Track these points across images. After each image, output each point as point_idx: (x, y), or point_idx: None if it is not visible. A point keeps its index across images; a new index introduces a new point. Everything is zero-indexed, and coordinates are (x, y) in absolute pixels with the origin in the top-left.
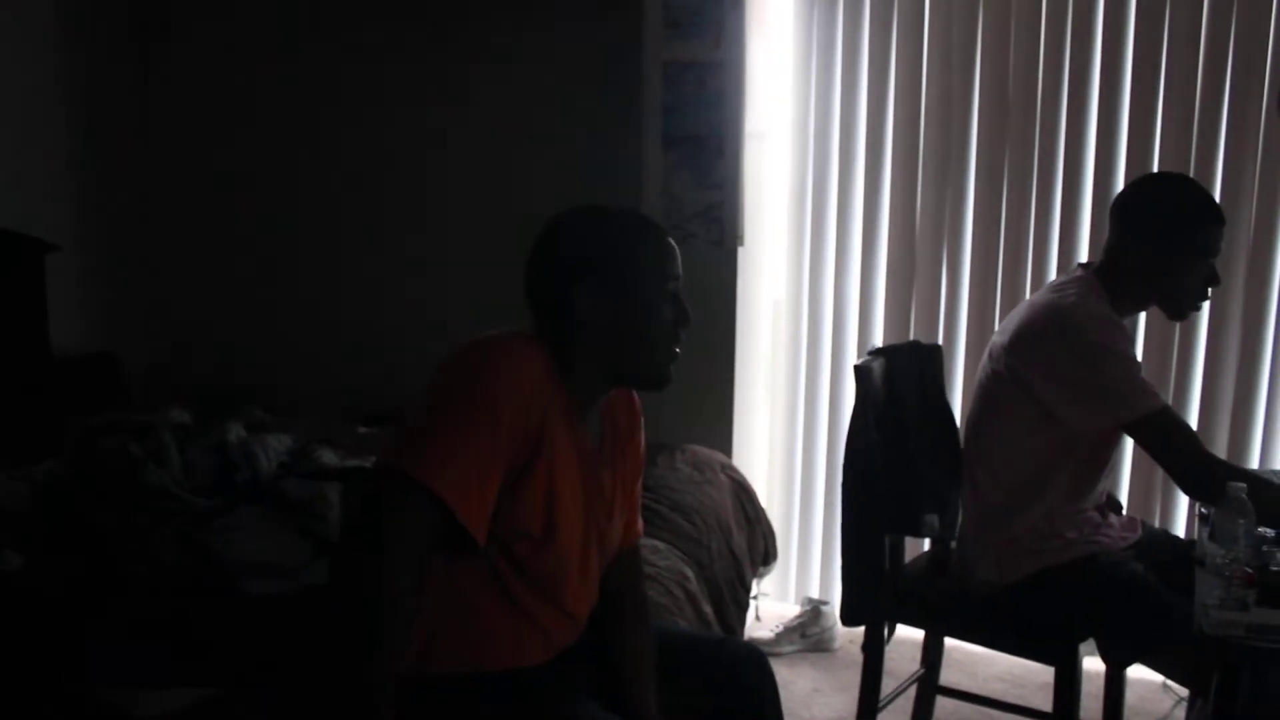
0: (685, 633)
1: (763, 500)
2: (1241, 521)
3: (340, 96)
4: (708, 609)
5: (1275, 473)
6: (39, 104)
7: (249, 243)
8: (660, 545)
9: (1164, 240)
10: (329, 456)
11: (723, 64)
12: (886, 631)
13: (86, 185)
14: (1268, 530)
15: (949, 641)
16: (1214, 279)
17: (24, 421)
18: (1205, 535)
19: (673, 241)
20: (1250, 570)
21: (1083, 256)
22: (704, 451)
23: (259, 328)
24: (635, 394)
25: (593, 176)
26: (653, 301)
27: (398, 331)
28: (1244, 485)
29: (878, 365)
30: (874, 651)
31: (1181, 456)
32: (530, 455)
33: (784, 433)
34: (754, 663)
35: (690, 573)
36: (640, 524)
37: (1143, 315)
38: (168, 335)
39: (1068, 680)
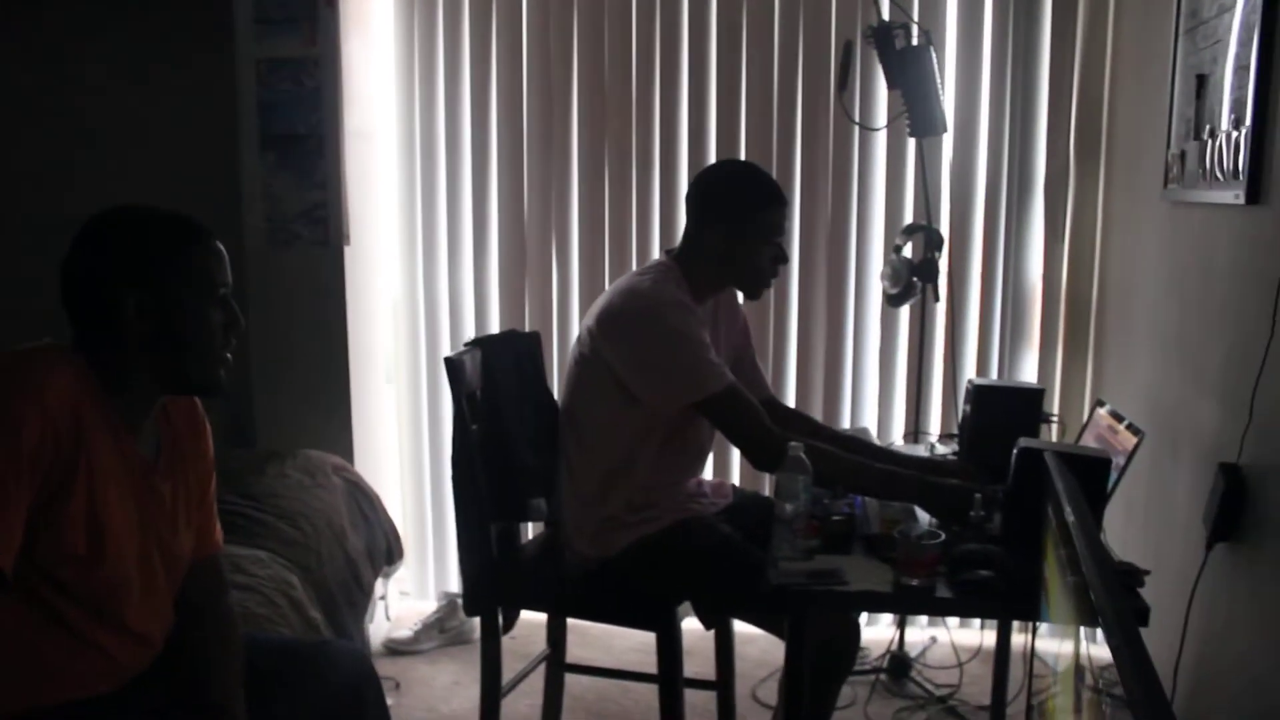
0: (282, 640)
1: (395, 499)
2: (801, 478)
3: None
4: (316, 614)
5: (861, 430)
6: None
7: None
8: (262, 555)
9: (733, 223)
10: None
11: (319, 61)
12: (503, 618)
13: None
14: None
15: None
16: (781, 257)
17: None
18: (775, 493)
19: (219, 245)
20: (814, 521)
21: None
22: (316, 455)
23: None
24: (198, 401)
25: (191, 178)
26: (201, 308)
27: None
28: (802, 445)
29: (470, 357)
30: (490, 638)
31: (744, 432)
32: (64, 476)
33: (410, 431)
34: (354, 663)
35: (295, 579)
36: (218, 534)
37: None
38: None
39: (668, 644)
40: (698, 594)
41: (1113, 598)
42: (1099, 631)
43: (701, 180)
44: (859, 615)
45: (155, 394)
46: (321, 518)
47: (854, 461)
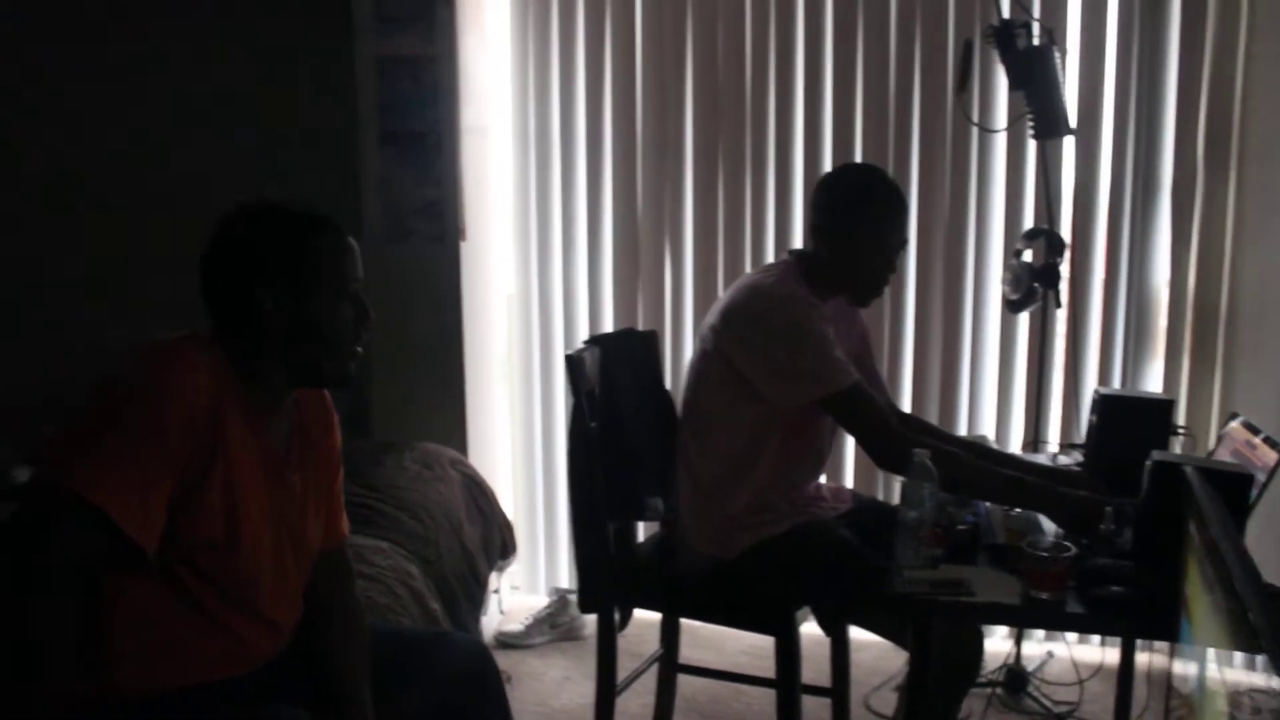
0: (404, 631)
1: (506, 494)
2: (926, 485)
3: (24, 96)
4: (435, 606)
5: (981, 437)
6: None
7: None
8: (384, 545)
9: (852, 228)
10: (26, 474)
11: (436, 59)
12: (619, 616)
13: None
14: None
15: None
16: (891, 266)
17: None
18: (899, 500)
19: (351, 240)
20: (938, 530)
21: (797, 240)
22: (434, 448)
23: None
24: (327, 394)
25: (309, 176)
26: (333, 302)
27: (98, 334)
28: (928, 451)
29: (589, 355)
30: (606, 636)
31: (870, 431)
32: (204, 463)
33: (523, 426)
34: (475, 655)
35: (415, 570)
36: (345, 524)
37: None
38: None
39: (787, 648)
40: (819, 599)
41: (1274, 621)
42: (1237, 655)
43: (825, 183)
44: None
45: (286, 387)
46: (440, 510)
47: (981, 467)
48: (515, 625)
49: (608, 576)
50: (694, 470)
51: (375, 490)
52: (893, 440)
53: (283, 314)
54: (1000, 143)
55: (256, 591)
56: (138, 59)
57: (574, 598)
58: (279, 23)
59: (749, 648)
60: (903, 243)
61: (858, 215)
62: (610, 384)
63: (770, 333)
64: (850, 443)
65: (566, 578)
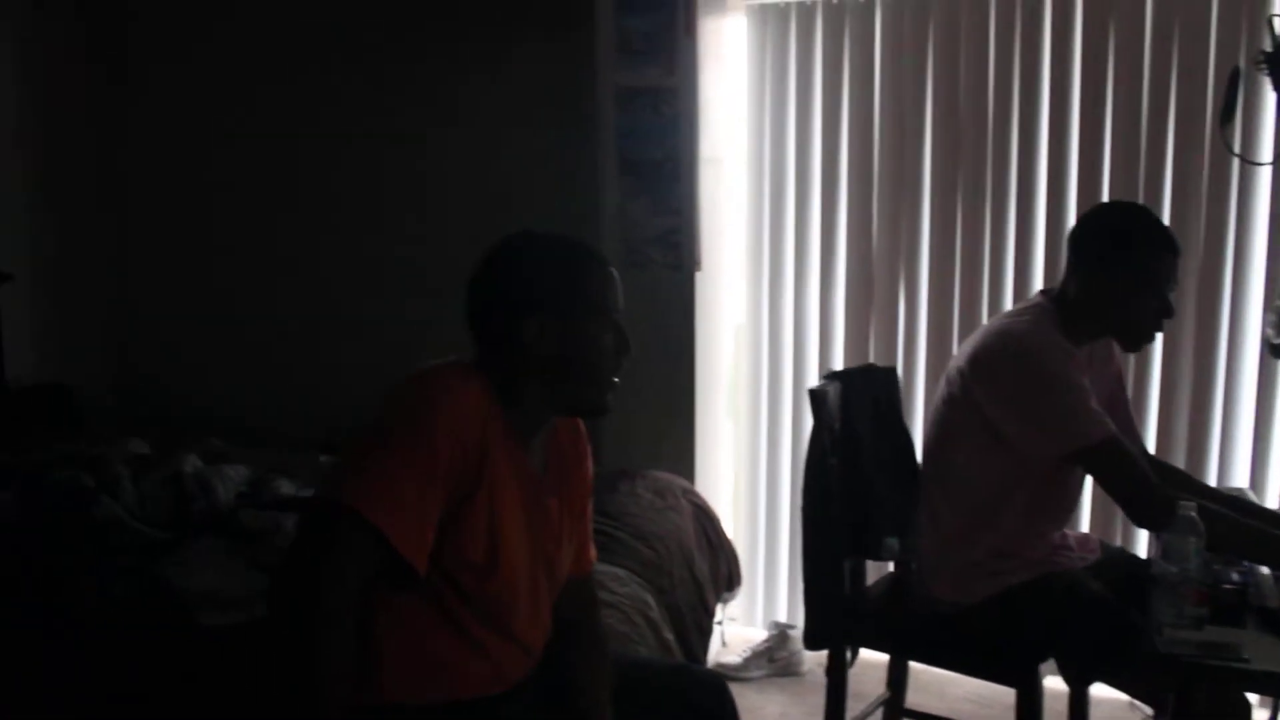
0: (644, 660)
1: (728, 525)
2: (1192, 540)
3: (298, 130)
4: (669, 635)
5: (1239, 490)
6: None
7: (205, 272)
8: (621, 573)
9: (1119, 270)
10: (286, 486)
11: (677, 90)
12: (849, 655)
13: (41, 215)
14: None
15: (918, 664)
16: (1167, 310)
17: None
18: (1159, 554)
19: (614, 271)
20: (1203, 589)
21: (1038, 279)
22: (665, 477)
23: (216, 357)
24: (581, 421)
25: (549, 203)
26: (596, 332)
27: (355, 358)
28: (1194, 504)
29: (832, 389)
30: (837, 675)
31: (1127, 485)
32: (471, 486)
33: (748, 457)
34: (713, 688)
35: (651, 599)
36: (593, 552)
37: None
38: (125, 366)
39: (1029, 701)
40: (1068, 653)
41: None
42: None
43: (1088, 221)
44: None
45: (546, 414)
46: (673, 540)
47: (1254, 528)
48: (733, 657)
49: (840, 614)
50: (936, 514)
51: (611, 518)
52: (1154, 498)
53: (548, 342)
54: (1264, 176)
55: (512, 614)
56: (393, 100)
57: (793, 632)
58: (522, 57)
59: (971, 694)
60: (1174, 283)
61: (1128, 256)
62: (850, 419)
63: (1022, 381)
64: (1089, 486)
65: (785, 611)
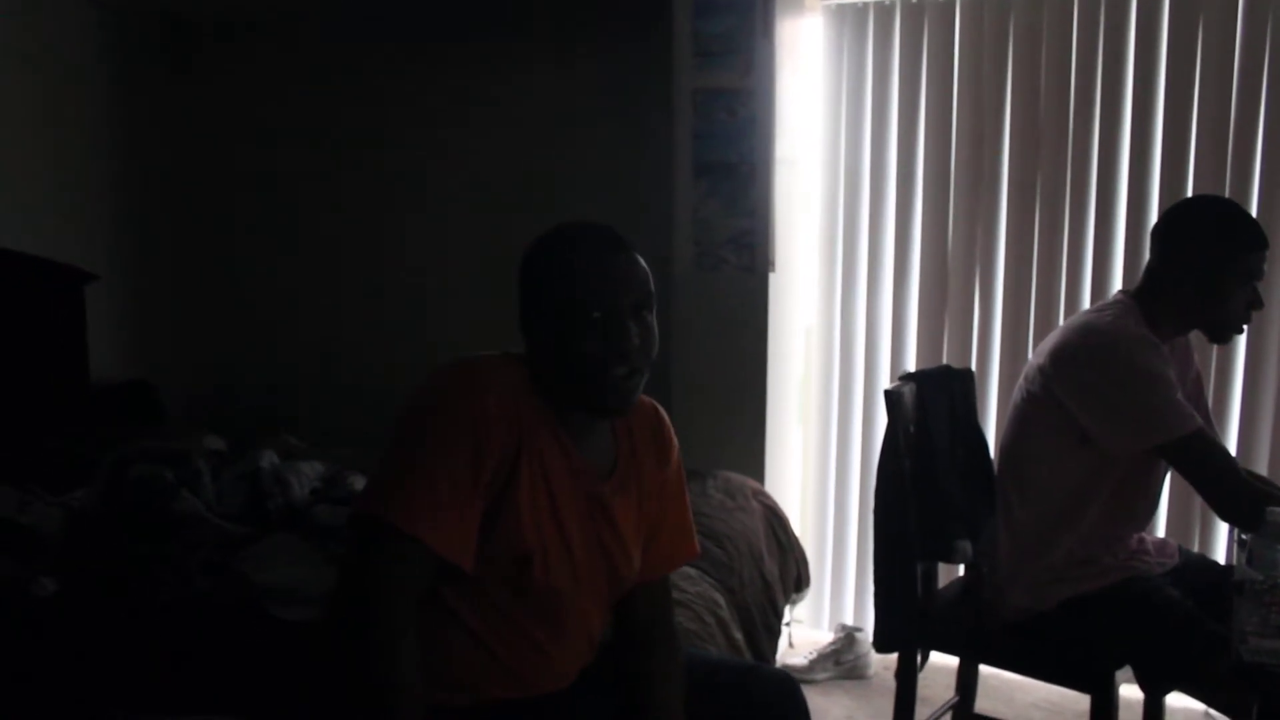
0: (715, 659)
1: (796, 526)
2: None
3: (367, 129)
4: (738, 635)
5: None
6: (78, 136)
7: (285, 272)
8: (692, 572)
9: (1207, 264)
10: (359, 483)
11: (753, 92)
12: (919, 658)
13: (125, 215)
14: None
15: (985, 668)
16: (1257, 302)
17: (63, 449)
18: (1244, 561)
19: (621, 260)
20: None
21: (1117, 278)
22: (736, 477)
23: (294, 356)
24: (663, 415)
25: (623, 205)
26: (572, 334)
27: (428, 357)
28: None
29: (908, 391)
30: (907, 679)
31: (1217, 481)
32: (505, 481)
33: (817, 458)
34: (783, 690)
35: (721, 599)
36: (694, 546)
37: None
38: (205, 363)
39: (1104, 709)
40: (1146, 661)
41: None
42: None
43: (1175, 216)
44: None
45: (580, 411)
46: (743, 540)
47: None
48: (799, 659)
49: (912, 617)
50: (1013, 517)
51: None
52: (1244, 492)
53: (545, 344)
54: None
55: (565, 610)
56: (459, 95)
57: (860, 635)
58: (599, 60)
59: (1041, 700)
60: (1262, 276)
61: (1215, 249)
62: (925, 421)
63: (1107, 374)
64: (1165, 493)
65: (852, 614)
